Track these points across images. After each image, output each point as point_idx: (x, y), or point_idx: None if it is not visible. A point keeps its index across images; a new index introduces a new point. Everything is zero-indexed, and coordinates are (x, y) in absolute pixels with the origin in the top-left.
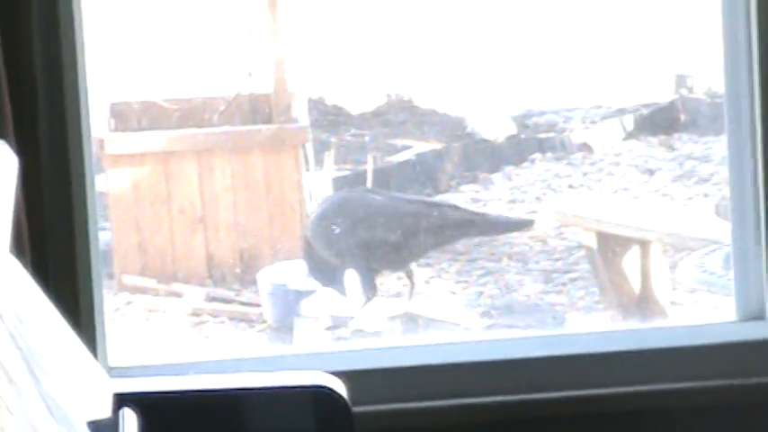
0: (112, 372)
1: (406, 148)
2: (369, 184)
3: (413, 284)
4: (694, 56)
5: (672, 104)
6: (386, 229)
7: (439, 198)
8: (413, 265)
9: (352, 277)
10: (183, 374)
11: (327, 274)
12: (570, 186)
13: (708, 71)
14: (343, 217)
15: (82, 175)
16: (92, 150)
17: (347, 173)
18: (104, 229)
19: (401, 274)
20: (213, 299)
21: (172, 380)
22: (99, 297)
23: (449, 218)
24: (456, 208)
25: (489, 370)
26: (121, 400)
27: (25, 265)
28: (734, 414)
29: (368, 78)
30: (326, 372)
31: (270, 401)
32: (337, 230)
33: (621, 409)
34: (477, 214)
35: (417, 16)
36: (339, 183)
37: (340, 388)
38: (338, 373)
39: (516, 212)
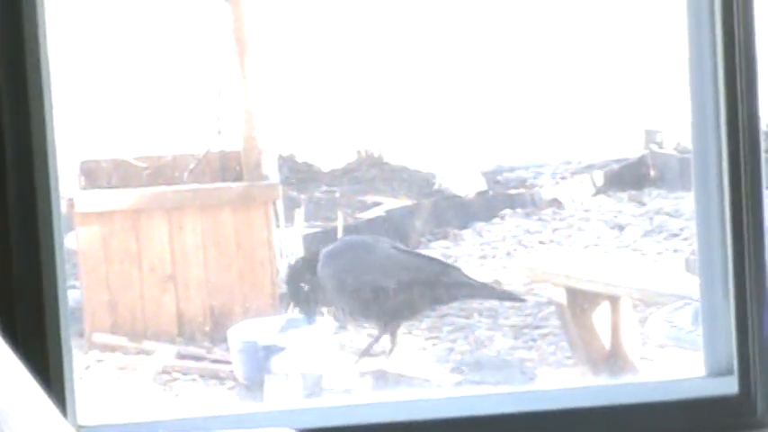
0: (82, 431)
1: (376, 204)
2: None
3: (396, 343)
4: (663, 111)
5: (641, 160)
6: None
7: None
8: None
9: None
10: None
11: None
12: (540, 242)
13: (677, 126)
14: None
15: (50, 235)
16: (60, 210)
17: (317, 230)
18: (74, 287)
19: (383, 331)
20: (184, 356)
21: None
22: (68, 356)
23: (455, 283)
24: (462, 275)
25: (459, 427)
26: None
27: None
28: None
29: (338, 135)
30: (298, 429)
31: None
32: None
33: None
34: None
35: (387, 73)
36: (309, 239)
37: None
38: (308, 431)
39: (487, 270)
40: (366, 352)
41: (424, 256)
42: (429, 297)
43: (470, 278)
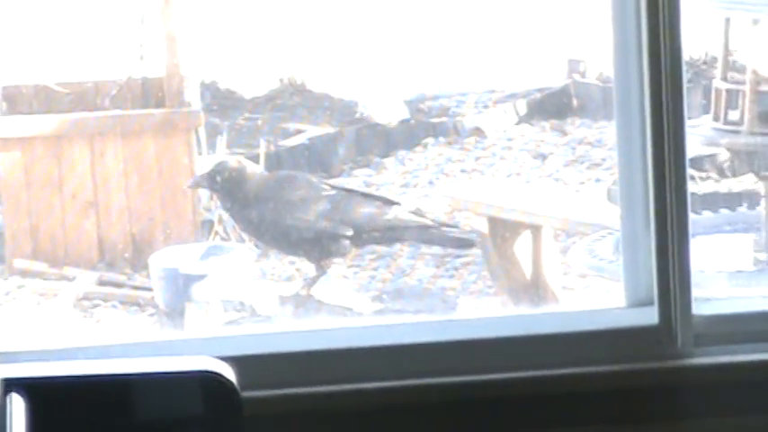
0: (0, 357)
1: (298, 132)
2: (261, 168)
3: (323, 273)
4: (586, 40)
5: (564, 89)
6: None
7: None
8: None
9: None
10: (72, 359)
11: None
12: (462, 171)
13: (600, 56)
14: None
15: None
16: None
17: (240, 156)
18: None
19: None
20: (104, 283)
21: (60, 365)
22: None
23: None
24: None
25: (379, 355)
26: (9, 385)
27: None
28: (621, 398)
29: (261, 62)
30: (217, 357)
31: (157, 387)
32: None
33: (512, 394)
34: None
35: None
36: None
37: (228, 373)
38: (229, 359)
39: (409, 198)
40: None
41: (364, 195)
42: (369, 239)
43: (417, 218)
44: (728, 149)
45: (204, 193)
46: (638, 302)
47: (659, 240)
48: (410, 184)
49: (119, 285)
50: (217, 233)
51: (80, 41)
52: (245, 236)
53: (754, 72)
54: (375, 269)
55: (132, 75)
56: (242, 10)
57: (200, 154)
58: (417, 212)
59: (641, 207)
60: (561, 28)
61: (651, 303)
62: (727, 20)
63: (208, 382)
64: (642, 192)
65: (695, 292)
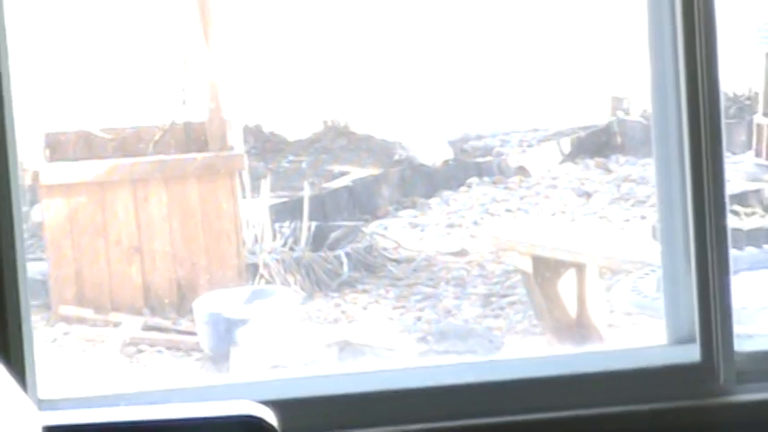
0: (42, 404)
1: (342, 174)
2: (305, 211)
3: None
4: (630, 78)
5: (608, 126)
6: None
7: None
8: None
9: None
10: (114, 406)
11: None
12: (507, 210)
13: (644, 93)
14: None
15: (9, 207)
16: (19, 182)
17: (284, 200)
18: (41, 259)
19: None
20: (150, 328)
21: (101, 411)
22: (28, 329)
23: None
24: None
25: (425, 396)
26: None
27: None
28: None
29: (304, 105)
30: (261, 400)
31: (205, 431)
32: None
33: None
34: None
35: (353, 43)
36: (276, 210)
37: (270, 417)
38: (272, 402)
39: (454, 239)
40: None
41: None
42: None
43: None
44: None
45: (249, 235)
46: (680, 340)
47: (700, 277)
48: (455, 224)
49: (164, 330)
50: (262, 276)
51: (122, 87)
52: (290, 279)
53: None
54: (420, 310)
55: (175, 120)
56: (284, 53)
57: (243, 197)
58: (463, 252)
59: (682, 244)
60: (605, 66)
61: (693, 341)
62: None
63: (249, 426)
64: (682, 228)
65: (738, 328)
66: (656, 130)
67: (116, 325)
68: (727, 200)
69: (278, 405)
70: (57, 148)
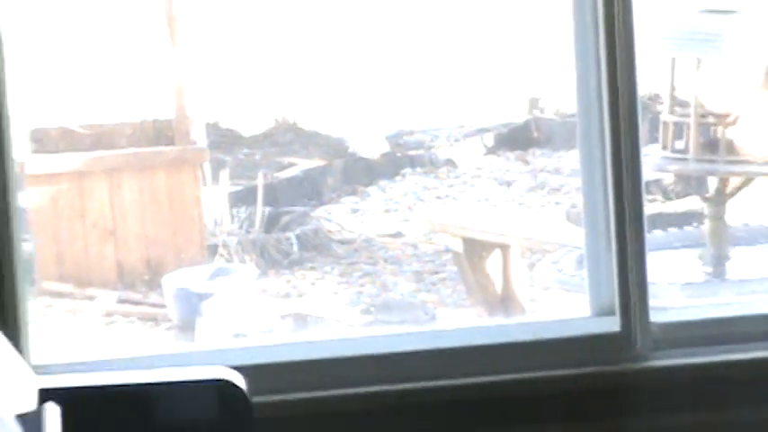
0: (36, 369)
1: (291, 165)
2: (259, 198)
3: None
4: (545, 80)
5: (526, 123)
6: None
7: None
8: None
9: None
10: (98, 371)
11: None
12: (437, 197)
13: (556, 93)
14: None
15: (5, 195)
16: (15, 173)
17: (240, 188)
18: (26, 240)
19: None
20: (124, 301)
21: (88, 376)
22: (23, 302)
23: None
24: None
25: (371, 362)
26: (44, 394)
27: None
28: (586, 399)
29: (257, 103)
30: (228, 366)
31: (178, 394)
32: None
33: (485, 396)
34: None
35: (301, 47)
36: (233, 197)
37: (239, 380)
38: (237, 367)
39: (390, 221)
40: None
41: None
42: None
43: None
44: (676, 175)
45: (210, 219)
46: (602, 312)
47: (619, 256)
48: (391, 210)
49: (136, 303)
50: (222, 255)
51: (97, 85)
52: (246, 257)
53: (698, 106)
54: (362, 285)
55: (145, 117)
56: (238, 55)
57: (205, 185)
58: (398, 234)
59: (603, 227)
60: (523, 68)
61: (613, 313)
62: (674, 60)
63: (222, 389)
64: (603, 213)
65: (652, 302)
66: (581, 125)
67: (93, 299)
68: (643, 187)
69: (242, 370)
70: (40, 142)
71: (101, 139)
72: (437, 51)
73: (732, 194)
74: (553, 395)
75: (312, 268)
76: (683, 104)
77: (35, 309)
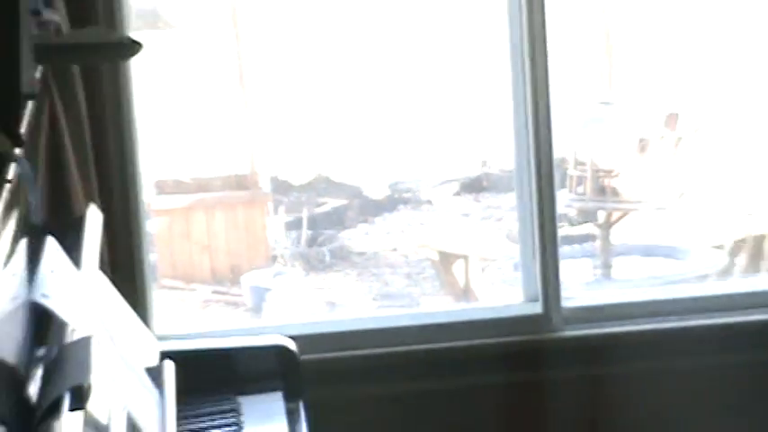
0: (158, 337)
1: (325, 203)
2: (304, 225)
3: None
4: (492, 145)
5: (479, 176)
6: None
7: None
8: None
9: None
10: (198, 338)
11: None
12: (421, 224)
13: (500, 155)
14: None
15: (138, 223)
16: (144, 208)
17: (292, 218)
18: (152, 252)
19: None
20: (215, 293)
21: (192, 342)
22: (149, 293)
23: None
24: None
25: (378, 333)
26: (163, 355)
27: (108, 277)
28: (519, 357)
29: (303, 162)
30: (283, 335)
31: (250, 354)
32: None
33: (454, 355)
34: None
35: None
36: (287, 224)
37: (291, 345)
38: (292, 336)
39: (390, 241)
40: None
41: None
42: None
43: None
44: (578, 210)
45: (272, 239)
46: (530, 299)
47: (542, 263)
48: (391, 232)
49: (223, 294)
50: (279, 262)
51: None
52: (295, 264)
53: (592, 165)
54: (370, 281)
55: (230, 172)
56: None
57: (269, 216)
58: (395, 249)
59: (531, 243)
60: (478, 138)
61: (537, 300)
62: (578, 133)
63: (280, 351)
64: (531, 234)
65: (563, 293)
66: (516, 177)
67: (194, 291)
68: (557, 218)
69: (294, 338)
70: (161, 188)
71: (200, 186)
72: (423, 126)
73: (614, 223)
74: (497, 354)
75: (338, 271)
76: (582, 163)
77: (156, 298)
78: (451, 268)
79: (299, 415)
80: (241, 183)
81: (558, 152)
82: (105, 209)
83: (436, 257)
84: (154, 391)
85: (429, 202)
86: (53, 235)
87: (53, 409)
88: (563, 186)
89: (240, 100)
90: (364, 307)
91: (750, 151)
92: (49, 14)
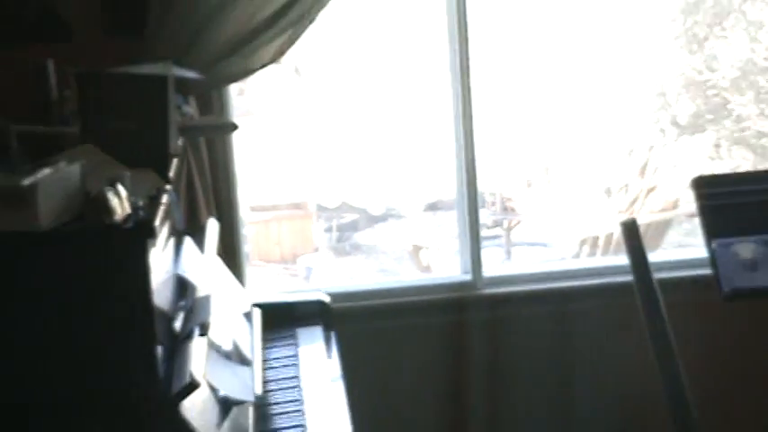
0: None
1: (344, 217)
2: (333, 229)
3: None
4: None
5: (436, 201)
6: None
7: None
8: None
9: None
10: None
11: None
12: (402, 229)
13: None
14: None
15: (238, 230)
16: (242, 220)
17: (327, 225)
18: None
19: None
20: (284, 269)
21: (270, 296)
22: (244, 269)
23: None
24: None
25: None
26: (253, 304)
27: (221, 259)
28: (455, 308)
29: (332, 192)
30: (323, 292)
31: (300, 306)
32: None
33: (415, 305)
34: None
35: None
36: (324, 229)
37: (327, 299)
38: (328, 293)
39: (385, 239)
40: None
41: None
42: None
43: None
44: (492, 220)
45: (315, 237)
46: (464, 272)
47: (472, 250)
48: (385, 234)
49: (287, 269)
50: (319, 251)
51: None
52: (329, 252)
53: (500, 193)
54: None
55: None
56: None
57: (313, 224)
58: (388, 244)
59: (465, 239)
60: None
61: (469, 272)
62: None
63: (320, 302)
64: (465, 234)
65: (483, 268)
66: (457, 199)
67: (268, 268)
68: (480, 224)
69: (330, 295)
70: (253, 208)
71: (275, 207)
72: (405, 168)
73: (513, 228)
74: (444, 304)
75: (354, 257)
76: (494, 193)
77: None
78: (419, 254)
79: (331, 340)
80: (297, 206)
81: (480, 186)
82: (219, 220)
83: (410, 248)
84: (247, 325)
85: (406, 216)
86: (189, 236)
87: (188, 336)
88: (483, 206)
89: (298, 151)
90: (368, 278)
91: (595, 183)
92: (186, 108)
